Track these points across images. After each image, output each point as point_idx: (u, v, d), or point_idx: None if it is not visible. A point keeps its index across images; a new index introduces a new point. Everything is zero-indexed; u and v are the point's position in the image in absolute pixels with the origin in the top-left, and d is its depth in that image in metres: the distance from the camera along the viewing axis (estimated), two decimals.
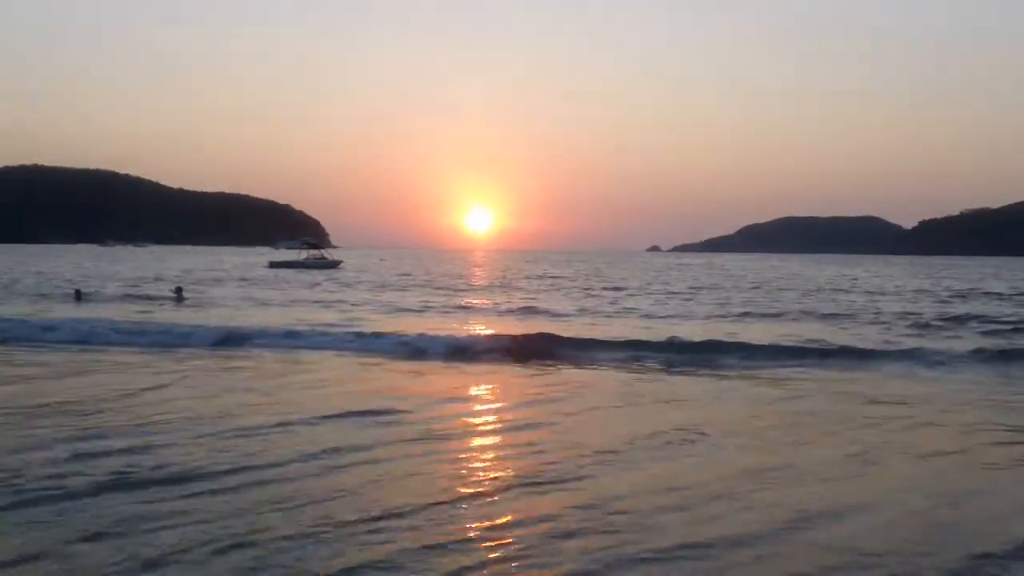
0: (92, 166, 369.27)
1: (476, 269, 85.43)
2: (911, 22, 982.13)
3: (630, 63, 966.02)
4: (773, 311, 30.80)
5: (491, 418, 11.09)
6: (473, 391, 13.46)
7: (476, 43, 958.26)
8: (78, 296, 34.20)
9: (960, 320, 27.50)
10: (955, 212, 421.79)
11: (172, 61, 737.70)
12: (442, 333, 20.56)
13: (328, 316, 26.90)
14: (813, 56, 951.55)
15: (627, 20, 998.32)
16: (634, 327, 24.45)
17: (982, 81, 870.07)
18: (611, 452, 8.84)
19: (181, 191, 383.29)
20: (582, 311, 30.67)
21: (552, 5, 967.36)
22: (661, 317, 28.46)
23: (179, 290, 35.32)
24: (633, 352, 18.04)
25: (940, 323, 26.51)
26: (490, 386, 13.91)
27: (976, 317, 28.30)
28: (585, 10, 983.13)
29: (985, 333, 23.59)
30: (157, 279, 49.72)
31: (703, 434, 9.81)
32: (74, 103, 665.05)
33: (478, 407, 12.07)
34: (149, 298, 34.52)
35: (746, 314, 29.38)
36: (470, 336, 20.99)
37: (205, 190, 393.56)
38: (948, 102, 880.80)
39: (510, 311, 30.49)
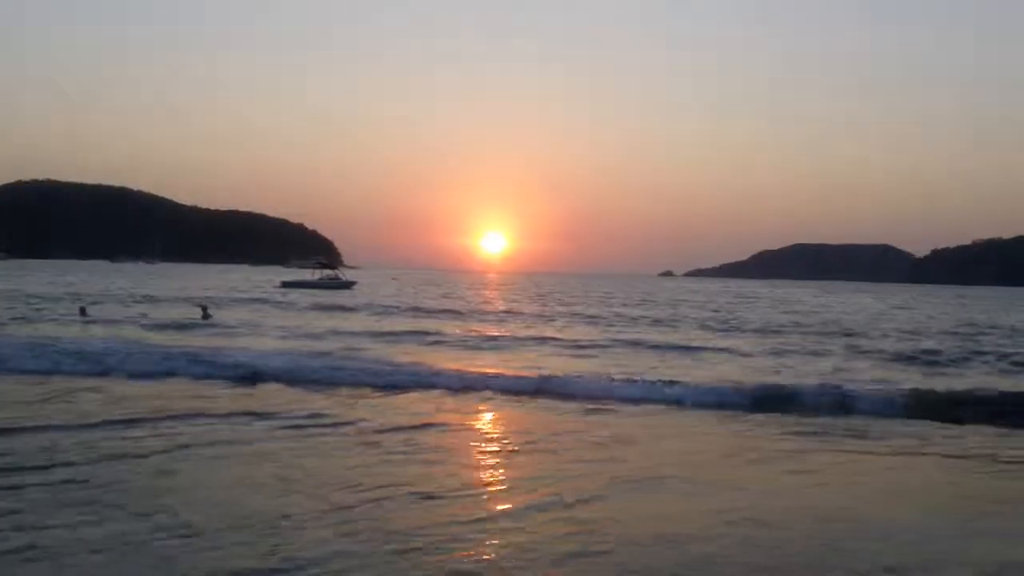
0: (105, 182, 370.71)
1: (492, 291, 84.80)
2: (922, 53, 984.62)
3: (644, 89, 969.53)
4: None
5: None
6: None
7: (491, 66, 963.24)
8: (82, 313, 33.45)
9: None
10: (967, 241, 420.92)
11: (186, 80, 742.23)
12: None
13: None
14: (826, 83, 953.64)
15: (641, 46, 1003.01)
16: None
17: (995, 110, 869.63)
18: None
19: (194, 208, 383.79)
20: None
21: (566, 31, 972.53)
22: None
23: (204, 309, 34.61)
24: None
25: None
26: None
27: None
28: (599, 37, 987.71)
29: None
30: (180, 298, 48.86)
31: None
32: (88, 119, 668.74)
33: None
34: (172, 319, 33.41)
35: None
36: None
37: (218, 207, 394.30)
38: (960, 131, 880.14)
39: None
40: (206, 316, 33.16)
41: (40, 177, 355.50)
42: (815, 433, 12.58)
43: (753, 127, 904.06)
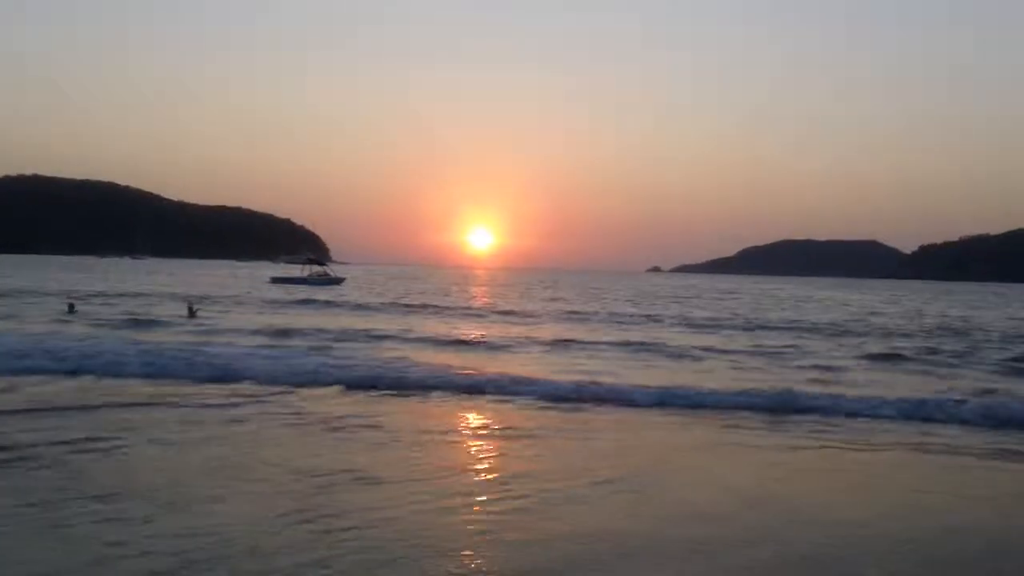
0: (92, 177, 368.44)
1: (493, 289, 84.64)
2: (911, 52, 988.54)
3: (633, 86, 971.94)
4: None
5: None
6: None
7: (479, 63, 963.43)
8: (71, 309, 33.33)
9: None
10: (954, 238, 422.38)
11: (174, 75, 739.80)
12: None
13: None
14: (815, 83, 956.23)
15: (631, 43, 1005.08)
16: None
17: (984, 108, 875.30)
18: None
19: (181, 204, 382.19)
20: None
21: (556, 28, 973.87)
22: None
23: (191, 306, 34.55)
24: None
25: None
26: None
27: None
28: (588, 33, 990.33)
29: None
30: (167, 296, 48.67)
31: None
32: (75, 114, 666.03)
33: None
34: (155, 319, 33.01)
35: None
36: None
37: (205, 203, 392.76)
38: (949, 128, 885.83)
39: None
40: (193, 314, 33.06)
41: (27, 172, 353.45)
42: (800, 434, 12.63)
43: (742, 125, 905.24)
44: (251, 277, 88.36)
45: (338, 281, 76.09)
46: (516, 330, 31.68)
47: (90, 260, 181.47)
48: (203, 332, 26.33)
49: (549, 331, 31.54)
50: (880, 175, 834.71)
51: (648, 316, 42.94)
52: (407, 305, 46.94)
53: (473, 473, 9.27)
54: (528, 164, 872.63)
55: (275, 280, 74.73)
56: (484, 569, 6.14)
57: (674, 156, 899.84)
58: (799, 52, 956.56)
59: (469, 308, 47.13)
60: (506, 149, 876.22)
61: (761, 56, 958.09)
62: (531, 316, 41.09)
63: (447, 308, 45.56)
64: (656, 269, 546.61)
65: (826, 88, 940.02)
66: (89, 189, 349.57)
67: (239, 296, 50.56)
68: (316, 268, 79.60)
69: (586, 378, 16.86)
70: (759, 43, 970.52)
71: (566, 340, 27.20)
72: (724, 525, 7.50)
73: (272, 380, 15.81)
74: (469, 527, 7.12)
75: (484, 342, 26.60)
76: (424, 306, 46.36)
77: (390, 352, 21.58)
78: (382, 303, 47.92)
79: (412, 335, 27.87)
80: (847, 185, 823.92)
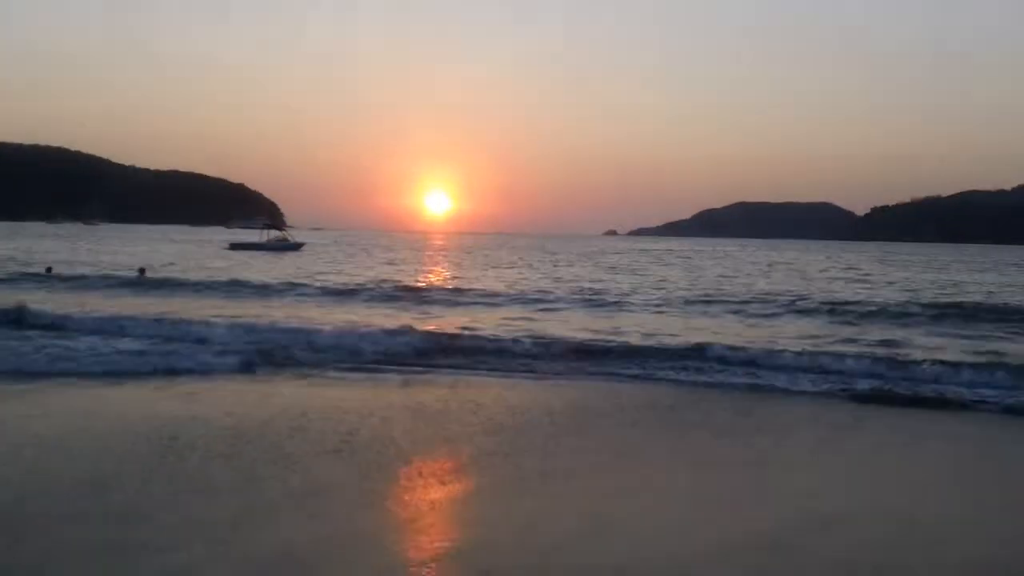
0: (42, 142, 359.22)
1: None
2: (868, 21, 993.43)
3: (588, 52, 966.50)
4: None
5: None
6: None
7: (437, 28, 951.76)
8: (48, 272, 34.00)
9: None
10: (906, 199, 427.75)
11: (124, 39, 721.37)
12: None
13: None
14: (767, 48, 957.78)
15: (586, 11, 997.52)
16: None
17: (933, 72, 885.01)
18: None
19: (133, 168, 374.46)
20: None
21: None
22: None
23: (142, 271, 35.69)
24: None
25: None
26: None
27: None
28: (547, 3, 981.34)
29: None
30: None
31: None
32: (24, 79, 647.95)
33: None
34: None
35: None
36: None
37: (158, 168, 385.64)
38: (900, 91, 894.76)
39: None
40: (143, 274, 34.94)
41: None
42: None
43: (698, 90, 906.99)
44: (210, 242, 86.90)
45: (297, 247, 75.52)
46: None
47: (40, 226, 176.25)
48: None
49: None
50: (834, 138, 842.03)
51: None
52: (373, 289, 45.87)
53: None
54: (485, 129, 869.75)
55: (234, 246, 73.74)
56: None
57: (631, 121, 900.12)
58: (758, 20, 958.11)
59: (442, 287, 44.09)
60: (462, 113, 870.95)
61: (716, 24, 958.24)
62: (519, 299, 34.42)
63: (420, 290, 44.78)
64: (612, 232, 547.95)
65: (782, 56, 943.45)
66: (38, 154, 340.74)
67: (203, 267, 49.35)
68: (274, 233, 78.86)
69: None
70: (715, 10, 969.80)
71: None
72: None
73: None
74: None
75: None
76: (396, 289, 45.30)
77: None
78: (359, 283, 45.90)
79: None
80: (801, 148, 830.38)
